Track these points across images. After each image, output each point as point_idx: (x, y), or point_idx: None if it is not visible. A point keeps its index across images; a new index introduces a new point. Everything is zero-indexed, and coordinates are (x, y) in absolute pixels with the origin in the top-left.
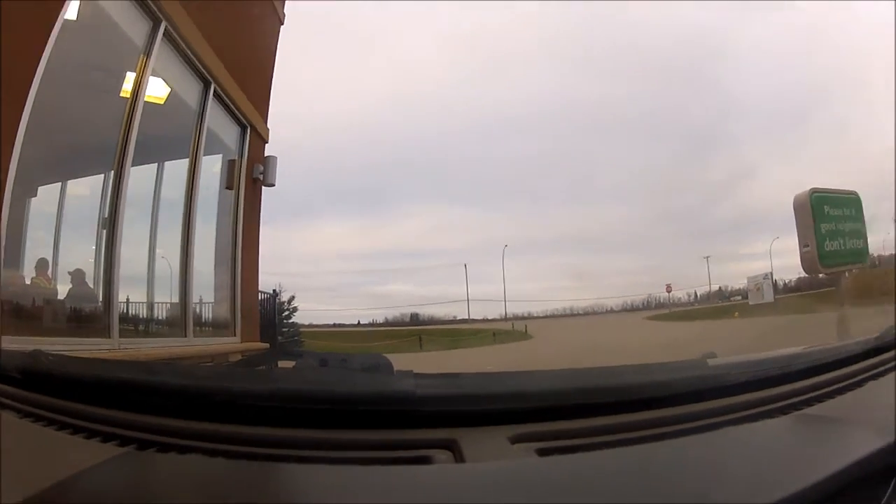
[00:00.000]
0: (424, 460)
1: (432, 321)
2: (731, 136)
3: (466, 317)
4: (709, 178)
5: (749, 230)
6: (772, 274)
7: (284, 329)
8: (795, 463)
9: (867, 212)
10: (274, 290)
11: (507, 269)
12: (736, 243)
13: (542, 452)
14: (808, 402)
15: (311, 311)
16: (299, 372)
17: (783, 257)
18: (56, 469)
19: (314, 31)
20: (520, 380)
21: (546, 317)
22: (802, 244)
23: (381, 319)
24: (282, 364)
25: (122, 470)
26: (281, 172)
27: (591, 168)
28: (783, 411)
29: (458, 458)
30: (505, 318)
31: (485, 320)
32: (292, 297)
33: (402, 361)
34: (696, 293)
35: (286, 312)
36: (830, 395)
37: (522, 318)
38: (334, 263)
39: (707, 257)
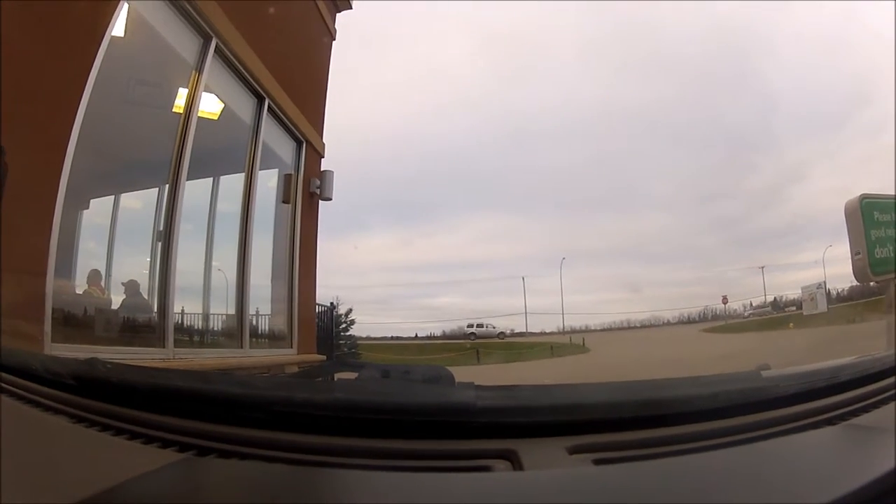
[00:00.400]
0: (484, 469)
1: (488, 335)
2: (776, 138)
3: (524, 329)
4: (756, 183)
5: (801, 237)
6: (825, 283)
7: (341, 342)
8: (842, 472)
9: None
10: (331, 303)
11: (560, 281)
12: (789, 251)
13: (599, 462)
14: (856, 413)
15: (367, 323)
16: (360, 382)
17: (836, 265)
18: (113, 473)
19: (359, 42)
20: (577, 392)
21: (602, 329)
22: (854, 252)
23: (437, 332)
24: (341, 376)
25: (183, 474)
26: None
27: (636, 176)
28: (831, 422)
29: (517, 467)
30: (562, 332)
31: (542, 333)
32: (350, 310)
33: (459, 375)
34: (751, 304)
35: (343, 325)
36: (877, 405)
37: (579, 331)
38: (382, 275)
39: (762, 267)
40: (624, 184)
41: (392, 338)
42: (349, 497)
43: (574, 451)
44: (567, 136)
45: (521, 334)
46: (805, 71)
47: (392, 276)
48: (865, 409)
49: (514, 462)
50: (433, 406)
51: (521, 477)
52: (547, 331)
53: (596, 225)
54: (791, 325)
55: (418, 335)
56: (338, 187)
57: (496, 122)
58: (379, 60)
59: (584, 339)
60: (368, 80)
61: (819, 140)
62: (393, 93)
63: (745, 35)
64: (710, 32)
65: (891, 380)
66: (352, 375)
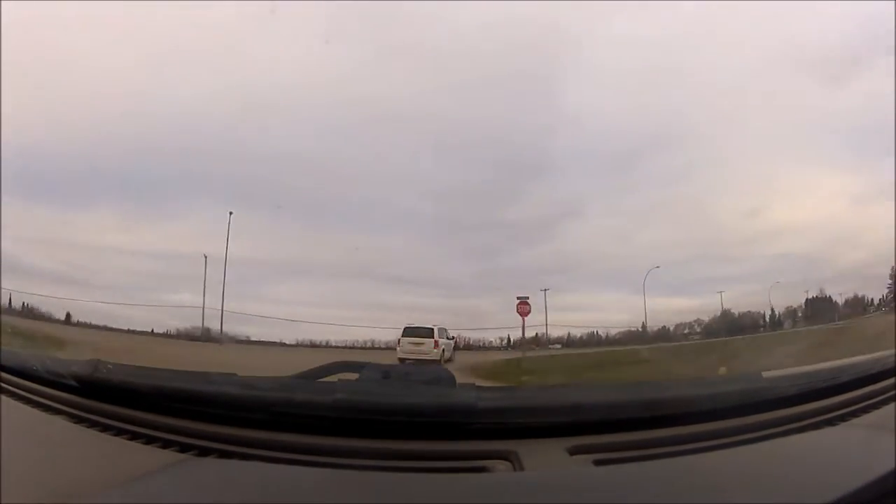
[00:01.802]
0: (484, 470)
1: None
2: (556, 166)
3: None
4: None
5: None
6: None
7: None
8: (842, 472)
9: None
10: None
11: (286, 291)
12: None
13: (600, 463)
14: (856, 413)
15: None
16: (362, 384)
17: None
18: (114, 473)
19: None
20: (577, 392)
21: (344, 346)
22: None
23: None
24: (344, 376)
25: (184, 474)
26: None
27: (380, 184)
28: (831, 423)
29: (518, 468)
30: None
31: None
32: None
33: None
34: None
35: None
36: (877, 406)
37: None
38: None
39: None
40: (366, 192)
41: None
42: (349, 497)
43: (575, 451)
44: (300, 122)
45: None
46: (606, 92)
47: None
48: (865, 410)
49: (515, 463)
50: (434, 407)
51: (521, 477)
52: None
53: (334, 235)
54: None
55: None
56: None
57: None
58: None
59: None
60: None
61: (602, 177)
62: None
63: (545, 33)
64: (499, 23)
65: (890, 381)
66: (353, 376)
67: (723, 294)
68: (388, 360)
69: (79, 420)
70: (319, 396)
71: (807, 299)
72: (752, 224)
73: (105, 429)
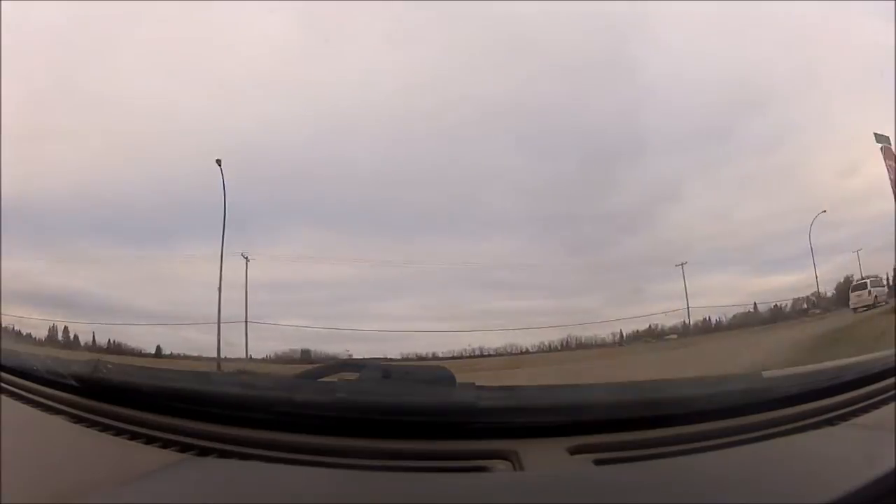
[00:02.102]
0: (484, 470)
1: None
2: (646, 148)
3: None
4: (620, 203)
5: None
6: None
7: None
8: (843, 472)
9: None
10: None
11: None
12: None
13: (600, 463)
14: (856, 413)
15: None
16: (362, 383)
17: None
18: (114, 473)
19: None
20: (578, 392)
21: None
22: None
23: None
24: (344, 376)
25: (184, 474)
26: None
27: (480, 186)
28: (831, 422)
29: (518, 467)
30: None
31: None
32: None
33: None
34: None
35: None
36: (877, 405)
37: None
38: None
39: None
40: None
41: None
42: (349, 497)
43: (575, 451)
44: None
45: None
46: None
47: None
48: (865, 410)
49: (515, 462)
50: (434, 407)
51: (521, 477)
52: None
53: (432, 243)
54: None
55: None
56: None
57: (302, 111)
58: None
59: None
60: None
61: (697, 153)
62: None
63: (620, 19)
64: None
65: (890, 380)
66: (353, 376)
67: (855, 254)
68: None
69: (79, 420)
70: (320, 396)
71: None
72: (851, 184)
73: (105, 429)
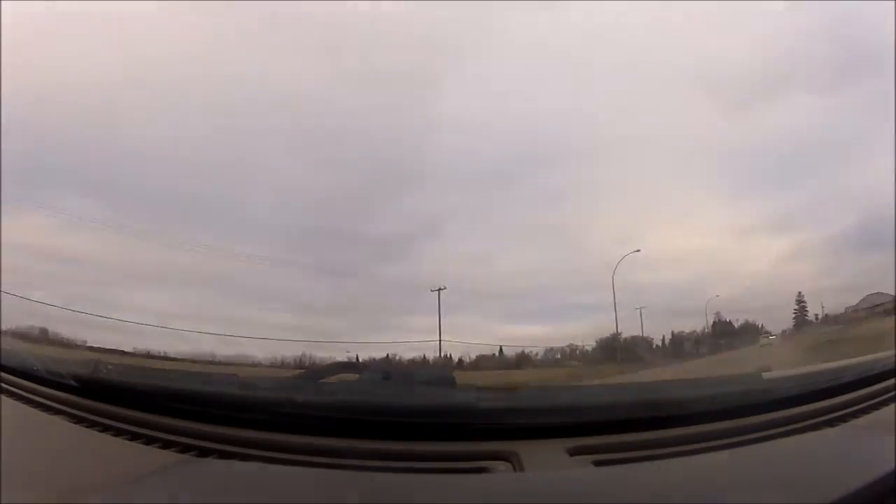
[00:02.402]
0: (484, 471)
1: None
2: (425, 177)
3: None
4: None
5: None
6: None
7: None
8: (842, 472)
9: None
10: None
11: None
12: None
13: (600, 464)
14: (856, 414)
15: None
16: (362, 384)
17: None
18: (114, 473)
19: None
20: (578, 394)
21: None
22: None
23: None
24: (344, 377)
25: (184, 474)
26: None
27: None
28: (831, 423)
29: (518, 468)
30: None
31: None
32: None
33: None
34: None
35: None
36: (877, 407)
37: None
38: None
39: None
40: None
41: None
42: (349, 497)
43: (574, 452)
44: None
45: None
46: (487, 102)
47: None
48: (865, 411)
49: (515, 463)
50: (434, 408)
51: (521, 478)
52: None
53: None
54: None
55: None
56: None
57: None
58: None
59: None
60: None
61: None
62: None
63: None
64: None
65: (890, 381)
66: (353, 377)
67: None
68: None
69: (79, 420)
70: (320, 397)
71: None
72: (624, 251)
73: (105, 429)
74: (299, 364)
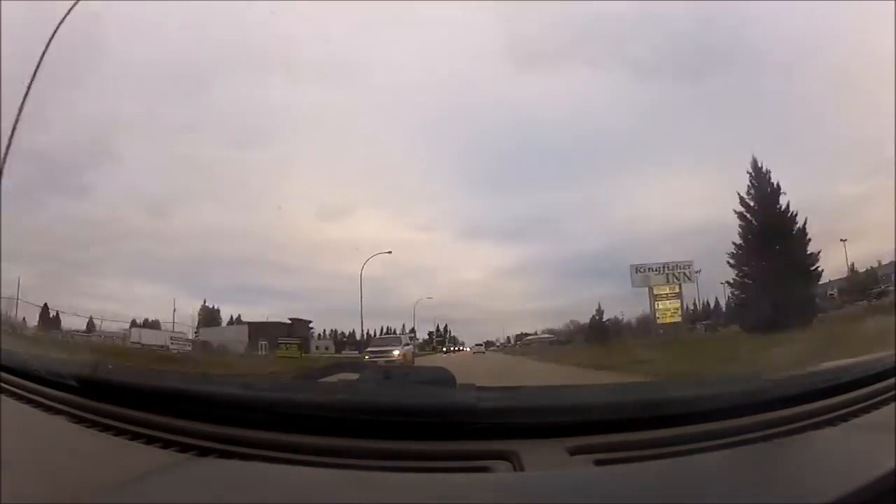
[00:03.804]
0: (484, 470)
1: None
2: None
3: None
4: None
5: None
6: None
7: None
8: (842, 472)
9: None
10: None
11: None
12: None
13: (600, 463)
14: (856, 413)
15: None
16: (362, 384)
17: None
18: (114, 473)
19: None
20: (578, 393)
21: None
22: None
23: None
24: (344, 377)
25: (184, 474)
26: None
27: None
28: (831, 423)
29: (518, 468)
30: None
31: None
32: None
33: None
34: None
35: None
36: (877, 406)
37: None
38: None
39: None
40: None
41: None
42: (349, 497)
43: (575, 451)
44: None
45: None
46: None
47: None
48: (865, 410)
49: (515, 463)
50: (434, 407)
51: (521, 477)
52: None
53: None
54: None
55: None
56: None
57: None
58: None
59: None
60: None
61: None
62: None
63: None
64: None
65: (890, 381)
66: (353, 377)
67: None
68: None
69: (79, 420)
70: (320, 396)
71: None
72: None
73: (105, 429)
74: None
